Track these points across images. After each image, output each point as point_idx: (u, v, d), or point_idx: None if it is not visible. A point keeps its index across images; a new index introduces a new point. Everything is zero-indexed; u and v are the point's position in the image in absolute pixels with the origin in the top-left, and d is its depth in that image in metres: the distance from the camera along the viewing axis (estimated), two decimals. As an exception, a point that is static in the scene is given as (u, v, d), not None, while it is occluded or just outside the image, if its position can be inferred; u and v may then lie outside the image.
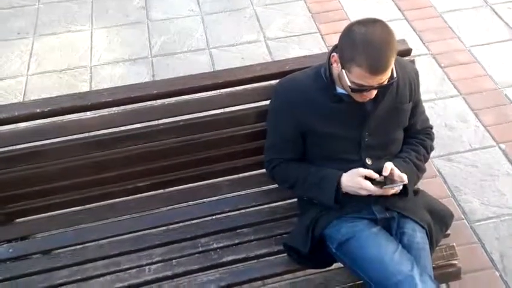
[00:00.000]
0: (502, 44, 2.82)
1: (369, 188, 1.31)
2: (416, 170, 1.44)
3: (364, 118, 1.37)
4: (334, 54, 1.31)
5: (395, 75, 1.29)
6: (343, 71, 1.27)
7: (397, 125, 1.44)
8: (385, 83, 1.28)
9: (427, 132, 1.53)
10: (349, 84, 1.27)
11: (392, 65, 1.25)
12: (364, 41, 1.22)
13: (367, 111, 1.37)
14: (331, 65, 1.34)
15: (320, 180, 1.39)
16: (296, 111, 1.39)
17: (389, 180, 1.33)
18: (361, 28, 1.23)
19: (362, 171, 1.33)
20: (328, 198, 1.37)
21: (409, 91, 1.42)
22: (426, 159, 1.50)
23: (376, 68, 1.22)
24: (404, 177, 1.33)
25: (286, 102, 1.41)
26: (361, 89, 1.27)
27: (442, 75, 2.66)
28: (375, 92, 1.30)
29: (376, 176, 1.33)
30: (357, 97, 1.32)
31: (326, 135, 1.39)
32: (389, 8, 3.11)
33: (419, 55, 2.74)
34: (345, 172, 1.38)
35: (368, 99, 1.32)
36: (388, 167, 1.33)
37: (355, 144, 1.39)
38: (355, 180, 1.33)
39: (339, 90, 1.37)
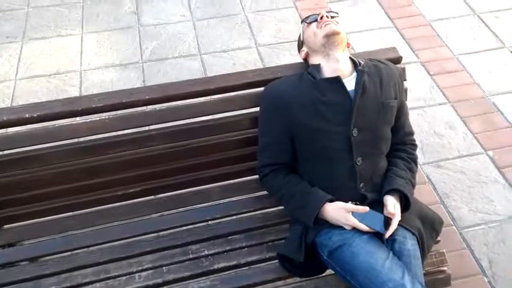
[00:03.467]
0: (490, 53, 2.87)
1: (358, 225, 1.34)
2: (412, 188, 1.47)
3: (349, 110, 1.39)
4: (303, 49, 1.55)
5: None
6: (301, 27, 1.57)
7: (383, 121, 1.45)
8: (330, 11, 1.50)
9: (412, 143, 1.56)
10: (302, 19, 1.56)
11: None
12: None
13: (351, 101, 1.40)
14: (308, 62, 1.52)
15: (304, 204, 1.41)
16: (284, 109, 1.41)
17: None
18: None
19: (349, 207, 1.36)
20: (308, 222, 1.40)
21: (393, 88, 1.46)
22: (415, 179, 1.53)
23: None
24: (395, 222, 1.36)
25: (273, 103, 1.44)
26: (312, 15, 1.52)
27: (431, 83, 2.70)
28: (327, 19, 1.47)
29: (362, 209, 1.35)
30: (320, 31, 1.46)
31: (314, 131, 1.40)
32: (379, 16, 3.15)
33: (408, 63, 2.77)
34: (334, 175, 1.39)
35: (330, 26, 1.45)
36: (391, 208, 1.36)
37: (345, 141, 1.40)
38: (343, 215, 1.36)
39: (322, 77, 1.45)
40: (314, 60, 1.49)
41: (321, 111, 1.39)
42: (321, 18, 1.48)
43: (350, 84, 1.43)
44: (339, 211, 1.37)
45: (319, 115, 1.39)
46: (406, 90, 1.56)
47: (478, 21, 3.09)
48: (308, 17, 1.53)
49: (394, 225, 1.35)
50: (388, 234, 1.35)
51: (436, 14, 3.14)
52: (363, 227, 1.34)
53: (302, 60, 1.57)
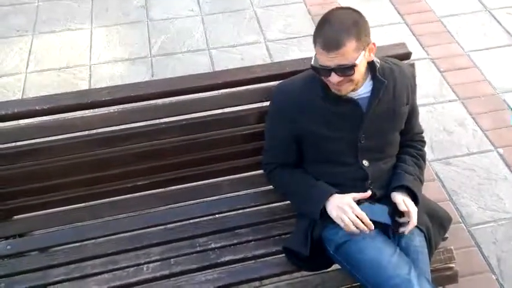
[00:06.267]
0: (501, 49, 2.84)
1: (360, 214, 1.31)
2: (420, 184, 1.45)
3: (360, 119, 1.37)
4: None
5: (357, 61, 1.25)
6: (314, 55, 1.30)
7: (393, 127, 1.44)
8: (343, 65, 1.23)
9: (421, 140, 1.55)
10: (312, 63, 1.29)
11: (348, 46, 1.22)
12: (326, 21, 1.26)
13: (362, 112, 1.37)
14: None
15: (310, 198, 1.40)
16: (292, 115, 1.39)
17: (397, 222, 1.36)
18: (330, 12, 1.29)
19: (354, 195, 1.35)
20: (313, 215, 1.38)
21: (406, 94, 1.43)
22: (423, 176, 1.51)
23: (328, 43, 1.22)
24: (414, 216, 1.33)
25: (281, 107, 1.41)
26: (320, 68, 1.27)
27: (441, 80, 2.67)
28: (337, 79, 1.26)
29: (365, 194, 1.35)
30: (331, 85, 1.32)
31: (322, 138, 1.39)
32: (389, 12, 3.13)
33: (418, 59, 2.75)
34: (341, 174, 1.39)
35: (340, 88, 1.29)
36: (402, 206, 1.33)
37: (352, 146, 1.39)
38: (346, 202, 1.33)
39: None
40: None
41: (330, 120, 1.37)
42: (332, 83, 1.29)
43: (364, 89, 1.36)
44: (342, 199, 1.35)
45: (328, 124, 1.37)
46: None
47: (489, 18, 3.06)
48: (319, 68, 1.27)
49: (413, 219, 1.33)
50: (407, 230, 1.33)
51: (446, 10, 3.11)
52: (365, 218, 1.31)
53: (309, 56, 1.55)
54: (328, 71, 1.26)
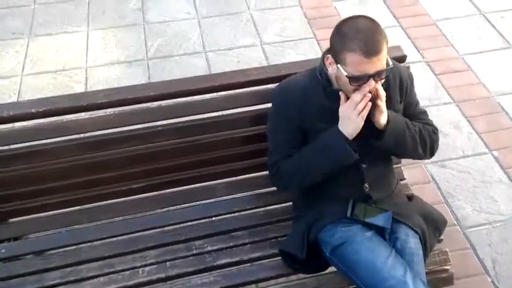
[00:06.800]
0: (495, 53, 2.86)
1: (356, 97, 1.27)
2: (405, 123, 1.40)
3: None
4: (328, 55, 1.32)
5: (390, 63, 1.29)
6: (338, 66, 1.28)
7: None
8: (382, 69, 1.26)
9: (429, 124, 1.51)
10: (345, 74, 1.26)
11: (385, 50, 1.25)
12: (353, 29, 1.26)
13: None
14: (326, 68, 1.35)
15: (326, 149, 1.35)
16: (294, 114, 1.39)
17: None
18: (347, 21, 1.30)
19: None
20: (346, 156, 1.33)
21: (399, 91, 1.43)
22: (423, 135, 1.44)
23: (369, 49, 1.22)
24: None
25: (282, 107, 1.41)
26: (359, 77, 1.25)
27: (436, 83, 2.69)
28: (373, 84, 1.27)
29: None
30: (354, 96, 1.29)
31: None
32: (384, 15, 3.15)
33: (413, 62, 2.76)
34: (339, 175, 1.38)
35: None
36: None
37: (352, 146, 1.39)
38: (341, 115, 1.30)
39: (335, 86, 1.37)
40: (332, 76, 1.36)
41: (331, 118, 1.35)
42: (365, 95, 1.27)
43: None
44: (341, 120, 1.31)
45: (330, 122, 1.36)
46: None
47: (483, 21, 3.08)
48: (361, 77, 1.25)
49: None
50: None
51: (441, 14, 3.13)
52: (359, 95, 1.27)
53: (305, 59, 1.55)
54: (367, 78, 1.25)
